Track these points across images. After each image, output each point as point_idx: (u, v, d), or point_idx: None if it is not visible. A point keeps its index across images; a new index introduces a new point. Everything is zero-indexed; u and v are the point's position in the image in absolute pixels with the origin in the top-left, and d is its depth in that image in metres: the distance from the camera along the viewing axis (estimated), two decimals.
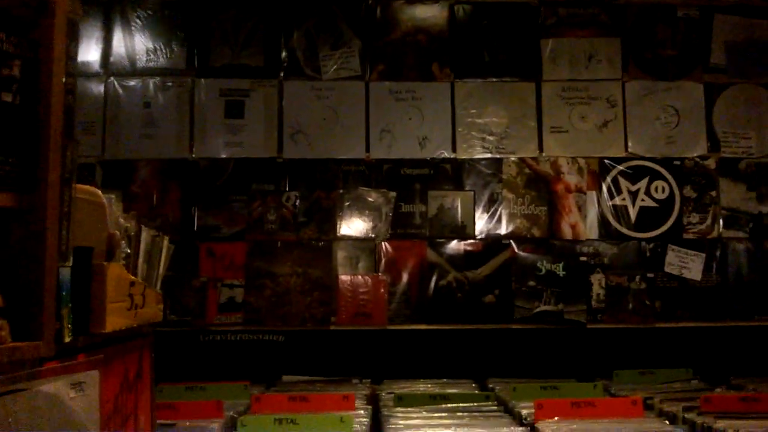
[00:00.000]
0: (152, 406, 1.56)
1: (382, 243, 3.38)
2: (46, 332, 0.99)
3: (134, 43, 3.47)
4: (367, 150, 3.44)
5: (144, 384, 1.48)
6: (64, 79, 1.04)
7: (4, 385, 0.88)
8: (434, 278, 3.36)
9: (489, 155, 3.46)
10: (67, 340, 1.07)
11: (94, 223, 1.21)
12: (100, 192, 1.25)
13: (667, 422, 2.41)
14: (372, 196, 3.40)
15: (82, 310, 1.12)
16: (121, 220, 1.31)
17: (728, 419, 2.34)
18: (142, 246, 1.47)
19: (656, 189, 3.49)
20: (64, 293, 1.06)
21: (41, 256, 0.98)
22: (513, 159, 3.47)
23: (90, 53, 3.43)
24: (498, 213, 3.43)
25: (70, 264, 1.08)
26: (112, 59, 3.46)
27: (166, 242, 1.61)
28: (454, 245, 3.40)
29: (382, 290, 3.32)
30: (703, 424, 2.34)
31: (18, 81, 0.99)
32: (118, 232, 1.26)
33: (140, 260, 1.46)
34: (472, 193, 3.43)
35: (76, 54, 1.08)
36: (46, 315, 0.99)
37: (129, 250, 1.39)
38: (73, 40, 1.07)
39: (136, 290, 1.35)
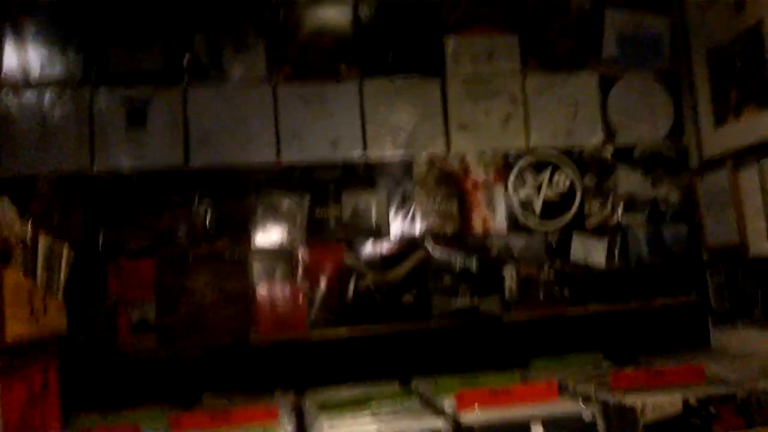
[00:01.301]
0: (60, 419, 1.49)
1: (299, 249, 3.34)
2: None
3: (27, 53, 3.27)
4: (278, 155, 3.39)
5: (51, 396, 1.41)
6: None
7: None
8: (353, 282, 3.36)
9: (400, 153, 3.48)
10: None
11: None
12: None
13: (581, 400, 2.52)
14: (285, 202, 3.35)
15: None
16: (16, 225, 1.23)
17: (637, 393, 2.49)
18: (40, 253, 1.39)
19: (558, 180, 3.60)
20: None
21: None
22: (423, 156, 3.50)
23: None
24: (411, 212, 3.46)
25: None
26: (4, 71, 3.25)
27: (65, 250, 1.53)
28: (371, 247, 3.40)
29: (301, 298, 3.29)
30: (614, 403, 2.47)
31: None
32: (12, 237, 1.18)
33: (39, 267, 1.38)
34: (386, 192, 3.45)
35: None
36: None
37: (25, 257, 1.32)
38: None
39: (37, 297, 1.28)
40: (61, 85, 3.28)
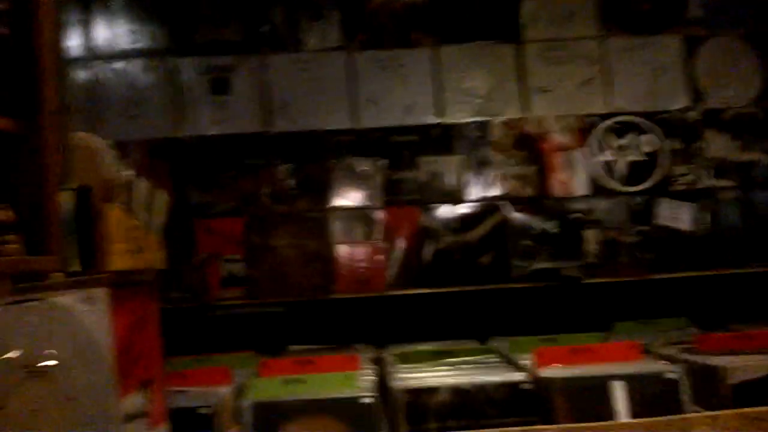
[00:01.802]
0: (160, 353, 1.58)
1: (376, 211, 3.40)
2: (54, 249, 1.01)
3: (116, 26, 3.46)
4: (354, 120, 3.46)
5: (151, 328, 1.50)
6: (53, 14, 1.06)
7: (19, 294, 0.90)
8: (430, 242, 3.38)
9: (476, 118, 3.48)
10: (74, 268, 1.09)
11: (91, 167, 1.23)
12: (94, 137, 1.26)
13: (665, 362, 2.45)
14: (363, 165, 3.42)
15: (87, 247, 1.14)
16: (118, 168, 1.32)
17: (724, 355, 2.38)
18: (139, 195, 1.49)
19: (643, 143, 3.52)
20: (68, 221, 1.08)
21: (43, 177, 0.99)
22: (500, 120, 3.49)
23: (72, 38, 3.42)
24: (489, 175, 3.45)
25: (70, 187, 1.10)
26: (94, 43, 3.46)
27: (162, 194, 1.63)
28: (448, 209, 3.42)
29: (379, 256, 3.34)
30: (699, 362, 2.39)
31: (8, 14, 1.00)
32: (114, 177, 1.27)
33: (139, 207, 1.48)
34: (462, 156, 3.45)
35: None
36: (53, 233, 1.01)
37: (127, 198, 1.41)
38: None
39: (138, 234, 1.37)
40: (149, 55, 3.46)
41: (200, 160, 3.40)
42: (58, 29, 1.07)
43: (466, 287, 3.36)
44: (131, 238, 1.31)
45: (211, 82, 3.44)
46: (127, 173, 1.42)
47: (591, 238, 3.42)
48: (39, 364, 0.93)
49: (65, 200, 1.05)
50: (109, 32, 3.46)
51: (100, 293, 1.08)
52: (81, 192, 1.13)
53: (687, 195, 3.50)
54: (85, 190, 1.14)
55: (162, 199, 1.62)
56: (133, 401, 1.31)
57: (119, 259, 1.22)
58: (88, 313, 1.05)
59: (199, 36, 3.48)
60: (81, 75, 3.42)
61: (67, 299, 1.01)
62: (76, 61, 3.42)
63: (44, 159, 0.99)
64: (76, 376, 1.03)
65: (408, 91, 3.49)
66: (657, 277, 3.41)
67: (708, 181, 3.51)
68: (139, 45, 3.47)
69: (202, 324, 3.25)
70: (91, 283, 1.07)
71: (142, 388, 1.38)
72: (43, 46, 1.01)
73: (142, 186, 1.50)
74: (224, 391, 2.26)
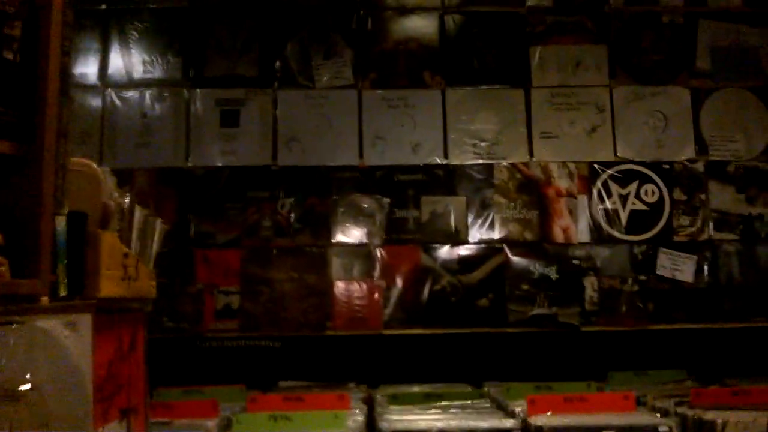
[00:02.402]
0: (145, 383, 1.59)
1: (377, 248, 3.41)
2: (42, 272, 1.03)
3: (131, 55, 3.54)
4: (361, 156, 3.50)
5: (137, 357, 1.51)
6: (61, 41, 1.09)
7: (2, 316, 0.92)
8: (429, 283, 3.39)
9: (481, 161, 3.51)
10: (63, 293, 1.11)
11: (88, 193, 1.25)
12: (93, 163, 1.29)
13: (658, 415, 2.43)
14: (366, 202, 3.44)
15: (77, 273, 1.16)
16: (115, 194, 1.35)
17: (719, 410, 2.36)
18: (135, 223, 1.51)
19: (646, 192, 3.53)
20: (59, 247, 1.10)
21: (39, 200, 1.02)
22: (504, 164, 3.52)
23: (87, 65, 3.50)
24: (490, 218, 3.47)
25: (65, 212, 1.12)
26: (109, 71, 3.53)
27: (159, 222, 1.65)
28: (448, 250, 3.43)
29: (377, 295, 3.35)
30: (693, 416, 2.36)
31: (18, 40, 1.04)
32: (111, 203, 1.30)
33: (134, 235, 1.50)
34: (465, 198, 3.48)
35: (71, 20, 1.13)
36: (42, 256, 1.03)
37: (122, 224, 1.43)
38: (69, 7, 1.12)
39: (130, 262, 1.39)
40: (161, 86, 3.53)
41: (205, 190, 3.44)
42: (67, 56, 1.11)
43: (463, 329, 3.35)
44: (123, 266, 1.33)
45: (221, 114, 3.50)
46: (125, 200, 1.44)
47: (590, 285, 3.42)
48: (17, 388, 0.95)
49: (59, 225, 1.07)
50: (124, 61, 3.53)
51: (84, 319, 1.10)
52: (75, 217, 1.16)
53: (689, 246, 3.49)
54: (79, 215, 1.17)
55: (158, 227, 1.64)
56: (113, 431, 1.31)
57: (109, 286, 1.24)
58: (70, 338, 1.07)
59: (212, 69, 3.55)
60: (94, 102, 3.48)
61: (49, 323, 1.02)
62: (90, 89, 3.49)
63: (41, 183, 1.01)
64: (53, 401, 1.04)
65: (415, 131, 3.52)
66: (656, 327, 3.40)
67: (710, 234, 3.50)
68: (152, 75, 3.54)
69: (194, 354, 3.25)
70: (75, 309, 1.09)
71: (123, 418, 1.39)
72: (48, 72, 1.05)
73: (139, 214, 1.52)
74: (210, 424, 2.26)
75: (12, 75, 1.02)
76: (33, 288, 1.00)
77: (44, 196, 1.02)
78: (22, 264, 1.00)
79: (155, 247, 1.65)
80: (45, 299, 1.05)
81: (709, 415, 2.33)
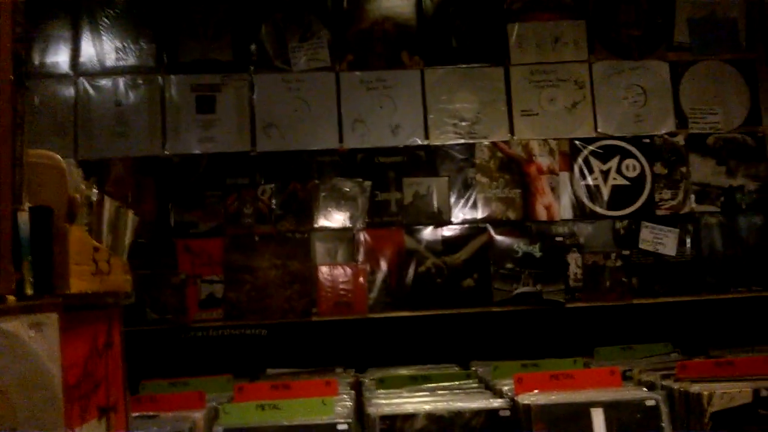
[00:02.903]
0: (124, 379, 1.56)
1: (360, 232, 3.39)
2: (2, 271, 0.99)
3: (102, 43, 3.47)
4: (341, 140, 3.46)
5: (114, 353, 1.48)
6: (11, 27, 1.04)
7: None
8: (413, 265, 3.38)
9: (461, 141, 3.49)
10: (29, 292, 1.07)
11: (53, 186, 1.21)
12: (57, 155, 1.25)
13: (645, 389, 2.44)
14: (347, 186, 3.42)
15: (44, 270, 1.12)
16: (82, 187, 1.31)
17: (704, 382, 2.38)
18: (105, 215, 1.47)
19: (627, 167, 3.53)
20: (23, 244, 1.07)
21: None
22: (485, 143, 3.50)
23: (59, 54, 3.42)
24: (473, 197, 3.46)
25: (26, 209, 1.08)
26: (81, 59, 3.45)
27: (130, 214, 1.61)
28: (431, 231, 3.42)
29: (362, 279, 3.34)
30: (679, 389, 2.38)
31: None
32: (78, 196, 1.26)
33: (105, 228, 1.46)
34: (447, 178, 3.46)
35: (22, 3, 1.07)
36: (4, 254, 0.99)
37: (91, 218, 1.39)
38: None
39: (101, 256, 1.35)
40: (135, 73, 3.46)
41: (184, 178, 3.40)
42: (19, 42, 1.05)
43: (449, 310, 3.35)
44: (94, 260, 1.30)
45: (197, 100, 3.45)
46: (93, 192, 1.40)
47: (574, 262, 3.43)
48: None
49: (21, 221, 1.04)
50: (96, 49, 3.46)
51: (50, 319, 1.07)
52: (39, 211, 1.12)
53: (671, 220, 3.50)
54: (43, 210, 1.13)
55: (130, 219, 1.61)
56: (92, 430, 1.29)
57: (79, 282, 1.20)
58: (36, 339, 1.04)
59: (186, 54, 3.49)
60: (67, 91, 3.41)
61: (12, 324, 0.99)
62: (62, 78, 3.42)
63: None
64: (20, 405, 1.01)
65: (395, 113, 3.49)
66: (640, 302, 3.41)
67: (692, 206, 3.51)
68: (125, 62, 3.47)
69: (179, 346, 3.23)
70: (40, 309, 1.06)
71: (102, 416, 1.36)
72: None
73: (109, 205, 1.49)
74: (197, 416, 2.24)
75: None
76: None
77: (0, 191, 0.98)
78: None
79: (128, 239, 1.61)
80: (11, 298, 1.02)
81: (695, 388, 2.34)
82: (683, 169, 3.54)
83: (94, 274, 1.28)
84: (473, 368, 2.98)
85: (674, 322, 3.37)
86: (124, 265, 1.56)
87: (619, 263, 3.44)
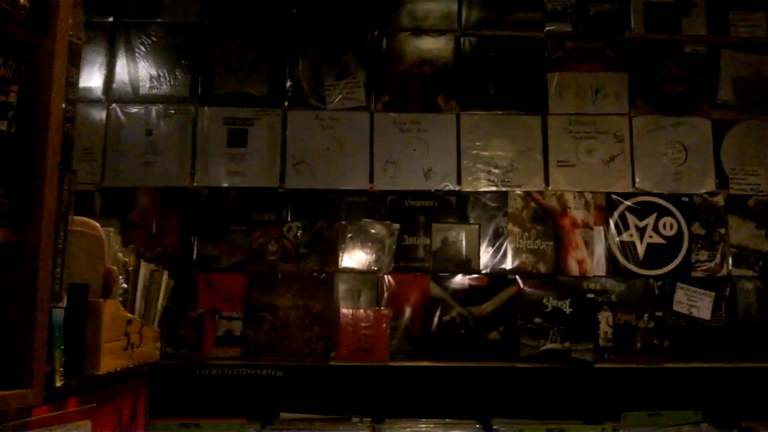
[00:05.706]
0: None
1: (385, 276, 3.31)
2: (35, 379, 0.91)
3: (137, 70, 3.44)
4: (371, 181, 3.39)
5: (138, 425, 1.40)
6: (63, 107, 0.97)
7: None
8: (438, 313, 3.29)
9: (494, 188, 3.41)
10: (59, 384, 1.00)
11: (91, 257, 1.15)
12: (98, 225, 1.18)
13: None
14: (375, 228, 3.34)
15: (75, 352, 1.05)
16: (120, 254, 1.24)
17: None
18: (141, 281, 1.40)
19: (664, 225, 3.43)
20: (56, 335, 0.99)
21: (33, 296, 0.90)
22: (519, 192, 3.41)
23: (92, 79, 3.40)
24: (503, 247, 3.36)
25: (64, 305, 1.01)
26: (114, 85, 3.43)
27: (165, 277, 1.54)
28: (459, 279, 3.33)
29: (384, 325, 3.24)
30: None
31: (15, 108, 0.91)
32: (116, 268, 1.19)
33: (138, 296, 1.39)
34: (477, 226, 3.37)
35: (77, 80, 1.00)
36: (36, 361, 0.91)
37: (126, 286, 1.32)
38: (74, 66, 1.00)
39: (133, 329, 1.28)
40: (168, 102, 3.42)
41: (210, 211, 3.34)
42: (69, 122, 0.98)
43: (472, 363, 3.24)
44: (126, 335, 1.23)
45: (228, 133, 3.40)
46: (131, 259, 1.34)
47: (605, 320, 3.32)
48: None
49: (56, 316, 0.97)
50: (130, 76, 3.43)
51: (82, 427, 0.99)
52: (75, 289, 1.05)
53: (707, 282, 3.39)
54: (79, 288, 1.06)
55: (164, 282, 1.53)
56: None
57: (109, 361, 1.13)
58: None
59: (221, 87, 3.45)
60: (98, 117, 3.38)
61: None
62: (94, 103, 3.39)
63: (36, 276, 0.88)
64: None
65: (428, 156, 3.42)
66: (671, 366, 3.29)
67: (729, 270, 3.40)
68: (159, 91, 3.44)
69: (193, 383, 3.13)
70: (71, 417, 0.98)
71: None
72: (48, 146, 0.91)
73: (145, 270, 1.42)
74: None
75: (6, 149, 0.89)
76: (23, 401, 0.88)
77: (40, 290, 0.90)
78: (12, 368, 0.89)
79: (161, 303, 1.54)
80: (42, 409, 0.93)
81: None
82: (722, 231, 3.43)
83: (124, 349, 1.21)
84: (495, 427, 2.88)
85: (706, 390, 3.24)
86: (155, 333, 1.49)
87: (651, 324, 3.32)
